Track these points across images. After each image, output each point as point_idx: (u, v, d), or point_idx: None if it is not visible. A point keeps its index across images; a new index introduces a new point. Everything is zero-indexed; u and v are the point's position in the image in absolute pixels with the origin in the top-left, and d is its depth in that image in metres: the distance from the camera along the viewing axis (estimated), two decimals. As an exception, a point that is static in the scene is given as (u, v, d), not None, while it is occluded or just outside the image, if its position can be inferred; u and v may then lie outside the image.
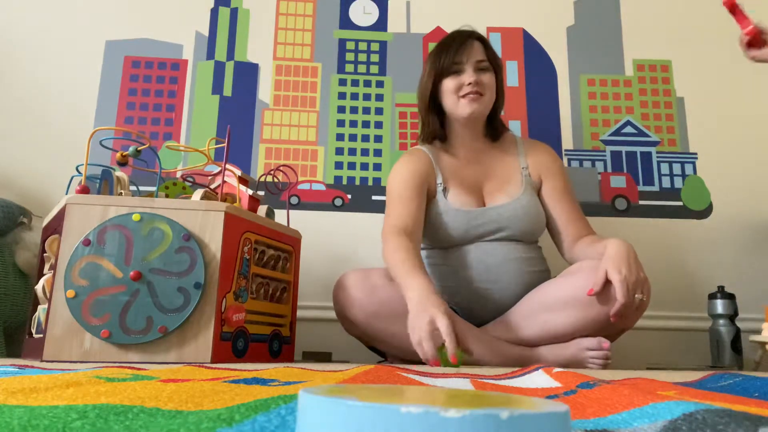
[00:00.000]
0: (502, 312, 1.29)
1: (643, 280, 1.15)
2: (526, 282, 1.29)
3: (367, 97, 1.83)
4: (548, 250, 1.46)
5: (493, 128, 1.42)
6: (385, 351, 1.30)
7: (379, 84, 1.84)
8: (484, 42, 1.36)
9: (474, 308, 1.30)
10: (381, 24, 1.89)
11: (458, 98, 1.32)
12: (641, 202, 1.76)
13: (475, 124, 1.38)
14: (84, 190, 1.12)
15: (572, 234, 1.35)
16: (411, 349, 1.15)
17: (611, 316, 1.14)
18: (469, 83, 1.30)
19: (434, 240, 1.35)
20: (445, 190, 1.35)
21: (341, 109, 1.82)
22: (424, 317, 1.02)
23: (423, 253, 1.39)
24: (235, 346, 1.12)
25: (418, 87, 1.43)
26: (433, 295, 1.07)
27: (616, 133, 1.82)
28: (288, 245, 1.33)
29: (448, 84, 1.33)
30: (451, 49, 1.33)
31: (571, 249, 1.35)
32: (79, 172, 1.27)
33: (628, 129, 1.83)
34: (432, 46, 1.90)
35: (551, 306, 1.21)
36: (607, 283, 1.14)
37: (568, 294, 1.19)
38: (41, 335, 1.08)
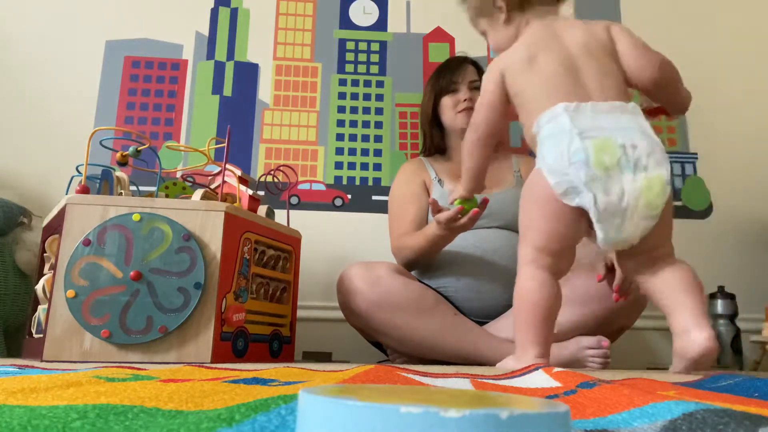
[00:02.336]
0: (498, 301, 1.31)
1: None
2: None
3: (367, 97, 1.83)
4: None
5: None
6: (386, 345, 1.31)
7: (379, 84, 1.84)
8: (476, 65, 1.54)
9: (472, 297, 1.32)
10: (381, 24, 1.89)
11: (455, 114, 1.48)
12: (641, 202, 1.76)
13: None
14: (84, 190, 1.12)
15: None
16: (412, 342, 1.23)
17: (615, 293, 1.15)
18: (465, 99, 1.47)
19: None
20: (440, 181, 1.48)
21: (341, 109, 1.82)
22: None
23: None
24: (235, 346, 1.12)
25: (420, 106, 1.59)
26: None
27: (616, 133, 1.82)
28: (288, 245, 1.34)
29: (447, 101, 1.50)
30: (448, 71, 1.51)
31: None
32: (79, 172, 1.27)
33: (628, 129, 1.82)
34: (432, 46, 1.89)
35: (551, 305, 1.22)
36: (609, 273, 1.16)
37: (567, 291, 1.20)
38: (41, 335, 1.08)
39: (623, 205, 0.91)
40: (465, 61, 1.53)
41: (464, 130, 1.46)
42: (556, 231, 0.97)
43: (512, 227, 1.39)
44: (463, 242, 1.34)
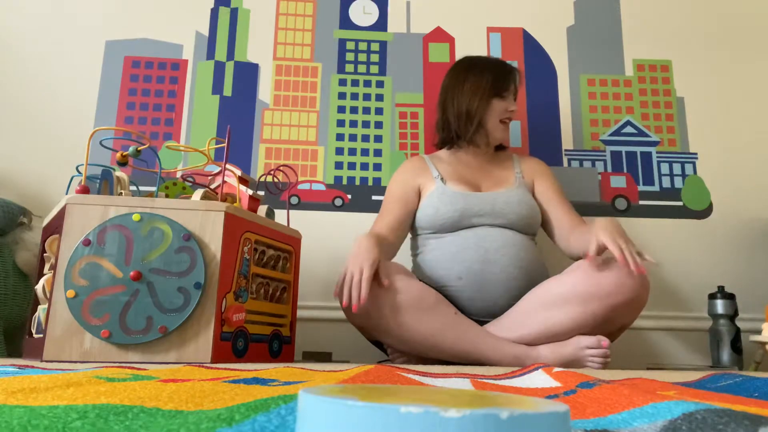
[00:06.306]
0: (501, 300, 1.31)
1: (632, 243, 1.19)
2: (523, 267, 1.33)
3: (367, 97, 1.83)
4: (547, 254, 1.46)
5: (499, 145, 1.57)
6: (386, 344, 1.31)
7: (379, 84, 1.84)
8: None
9: (474, 296, 1.32)
10: (381, 24, 1.89)
11: (498, 121, 1.48)
12: (641, 202, 1.76)
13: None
14: (84, 190, 1.12)
15: (568, 224, 1.44)
16: (413, 341, 1.24)
17: (622, 259, 1.14)
18: (512, 110, 1.48)
19: (434, 221, 1.40)
20: (443, 179, 1.46)
21: (341, 109, 1.82)
22: (357, 264, 1.19)
23: (428, 240, 1.43)
24: (235, 346, 1.12)
25: (456, 94, 1.49)
26: (374, 247, 1.24)
27: (616, 133, 1.82)
28: (288, 245, 1.34)
29: (498, 105, 1.47)
30: (506, 75, 1.48)
31: (568, 238, 1.42)
32: (79, 172, 1.27)
33: (628, 129, 1.82)
34: (432, 46, 1.88)
35: (551, 303, 1.22)
36: (604, 266, 1.20)
37: (567, 290, 1.21)
38: (41, 335, 1.08)
39: None
40: (515, 70, 1.51)
41: (498, 140, 1.48)
42: None
43: (514, 226, 1.39)
44: (463, 241, 1.34)
